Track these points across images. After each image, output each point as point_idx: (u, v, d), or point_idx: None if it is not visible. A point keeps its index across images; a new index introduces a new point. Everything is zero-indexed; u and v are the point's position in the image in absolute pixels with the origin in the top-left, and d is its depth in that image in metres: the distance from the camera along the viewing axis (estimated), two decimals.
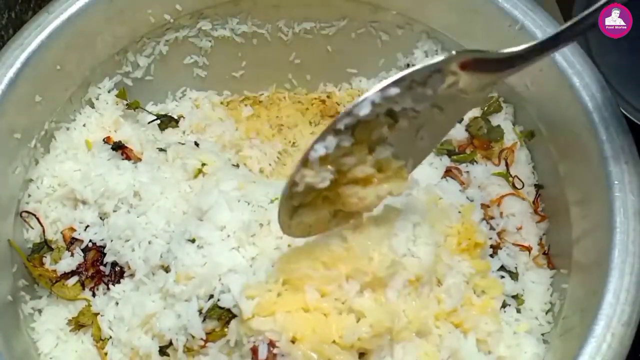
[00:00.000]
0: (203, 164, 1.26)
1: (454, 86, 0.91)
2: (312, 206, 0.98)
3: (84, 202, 1.22)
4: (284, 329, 0.97)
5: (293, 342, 0.97)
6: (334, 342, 0.98)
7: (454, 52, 0.89)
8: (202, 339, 1.04)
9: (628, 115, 1.14)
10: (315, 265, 1.00)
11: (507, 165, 1.26)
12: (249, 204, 1.13)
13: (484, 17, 1.23)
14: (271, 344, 0.98)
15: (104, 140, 1.29)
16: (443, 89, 0.90)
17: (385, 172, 0.97)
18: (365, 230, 1.08)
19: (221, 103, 1.48)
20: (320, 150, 0.88)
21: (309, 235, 1.02)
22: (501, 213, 1.23)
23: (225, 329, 1.04)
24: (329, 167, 0.91)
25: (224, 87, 1.48)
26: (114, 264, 1.18)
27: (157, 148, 1.31)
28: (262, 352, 0.98)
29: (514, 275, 1.18)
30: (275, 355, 0.98)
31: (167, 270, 1.11)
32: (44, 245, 1.21)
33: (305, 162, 0.89)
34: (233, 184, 1.20)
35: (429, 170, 1.19)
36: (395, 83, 0.87)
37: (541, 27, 1.17)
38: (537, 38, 1.16)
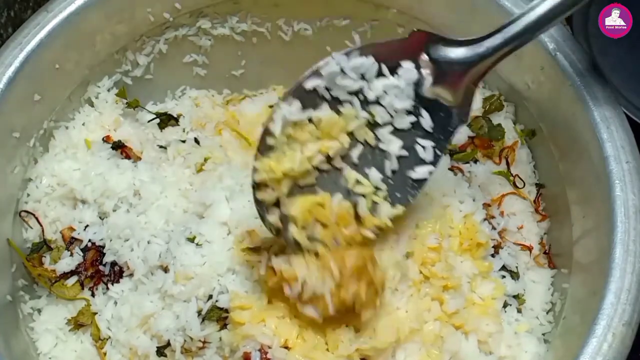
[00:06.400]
0: (205, 159, 1.26)
1: (427, 83, 0.90)
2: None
3: (83, 202, 1.22)
4: (276, 335, 0.97)
5: (286, 347, 0.97)
6: (327, 349, 0.98)
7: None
8: (200, 340, 1.04)
9: (629, 114, 1.14)
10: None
11: (507, 164, 1.26)
12: (249, 200, 1.13)
13: (484, 16, 1.23)
14: (263, 352, 0.98)
15: (103, 139, 1.29)
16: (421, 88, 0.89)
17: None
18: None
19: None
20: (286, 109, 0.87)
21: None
22: (502, 212, 1.23)
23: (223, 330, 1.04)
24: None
25: (224, 85, 1.48)
26: (113, 264, 1.17)
27: (158, 145, 1.31)
28: (255, 359, 0.98)
29: (514, 275, 1.18)
30: None
31: (166, 270, 1.11)
32: (43, 245, 1.21)
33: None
34: (234, 179, 1.20)
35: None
36: (361, 50, 0.88)
37: None
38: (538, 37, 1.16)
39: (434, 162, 0.97)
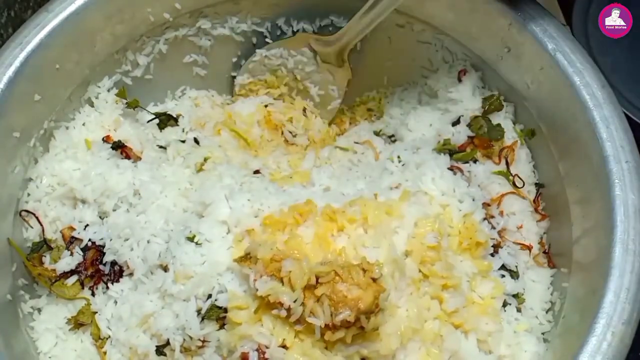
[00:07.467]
0: (205, 159, 1.26)
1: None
2: None
3: (83, 201, 1.22)
4: (273, 335, 0.97)
5: (284, 347, 0.97)
6: (326, 348, 0.98)
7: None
8: (199, 339, 1.04)
9: (628, 113, 1.14)
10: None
11: (507, 164, 1.26)
12: (249, 200, 1.13)
13: (484, 16, 1.23)
14: (261, 352, 0.98)
15: (103, 139, 1.29)
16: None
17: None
18: (365, 227, 1.08)
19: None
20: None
21: None
22: (501, 212, 1.23)
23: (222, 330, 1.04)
24: None
25: (224, 85, 1.48)
26: (113, 263, 1.18)
27: (158, 145, 1.31)
28: (253, 359, 0.98)
29: (514, 274, 1.18)
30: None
31: (165, 269, 1.11)
32: (44, 245, 1.21)
33: None
34: (234, 179, 1.20)
35: (433, 164, 1.19)
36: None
37: (542, 26, 1.17)
38: (537, 37, 1.16)
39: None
